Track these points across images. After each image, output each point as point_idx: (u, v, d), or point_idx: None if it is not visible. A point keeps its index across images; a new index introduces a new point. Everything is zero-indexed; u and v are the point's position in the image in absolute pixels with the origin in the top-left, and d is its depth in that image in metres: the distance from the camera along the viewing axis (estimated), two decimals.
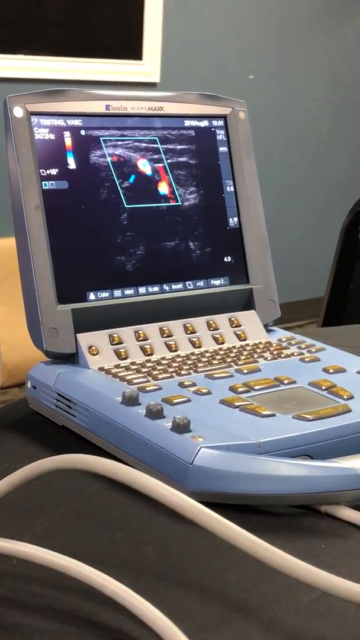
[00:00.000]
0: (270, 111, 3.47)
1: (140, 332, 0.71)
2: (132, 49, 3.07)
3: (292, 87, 3.57)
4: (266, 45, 3.44)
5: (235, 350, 0.73)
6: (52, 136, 0.70)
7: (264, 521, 0.54)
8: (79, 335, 0.69)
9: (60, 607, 0.44)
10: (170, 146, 0.76)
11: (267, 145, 3.42)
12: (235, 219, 0.79)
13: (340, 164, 3.79)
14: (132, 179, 0.74)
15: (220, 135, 0.79)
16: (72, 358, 0.69)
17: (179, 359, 0.70)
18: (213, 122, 0.79)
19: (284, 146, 3.58)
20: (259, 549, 0.42)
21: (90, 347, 0.68)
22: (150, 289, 0.74)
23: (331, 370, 0.70)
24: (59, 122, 0.71)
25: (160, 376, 0.66)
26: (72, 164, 0.71)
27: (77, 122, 0.71)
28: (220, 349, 0.73)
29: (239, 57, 3.36)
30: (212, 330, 0.75)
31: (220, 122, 0.80)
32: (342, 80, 3.72)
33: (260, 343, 0.76)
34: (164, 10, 3.08)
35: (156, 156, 0.75)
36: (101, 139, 0.72)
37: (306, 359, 0.73)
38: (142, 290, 0.73)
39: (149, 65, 3.10)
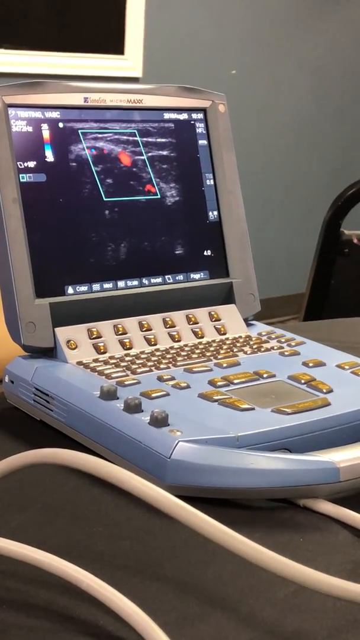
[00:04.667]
0: (253, 106, 3.47)
1: (119, 326, 0.71)
2: (114, 44, 3.07)
3: (275, 82, 3.57)
4: (249, 40, 3.44)
5: (214, 344, 0.73)
6: (30, 128, 0.69)
7: (242, 515, 0.54)
8: (57, 329, 0.68)
9: (36, 602, 0.44)
10: (149, 139, 0.76)
11: (249, 139, 3.42)
12: (215, 213, 0.79)
13: (322, 159, 3.80)
14: (111, 172, 0.73)
15: (200, 128, 0.79)
16: (50, 352, 0.68)
17: (158, 353, 0.70)
18: (193, 115, 0.79)
19: (267, 141, 3.58)
20: (236, 543, 0.42)
21: (68, 341, 0.68)
22: (129, 283, 0.73)
23: (311, 364, 0.70)
24: (37, 114, 0.70)
25: (139, 370, 0.66)
26: (50, 156, 0.70)
27: (55, 114, 0.71)
28: (200, 343, 0.73)
29: (221, 52, 3.36)
30: (192, 324, 0.75)
31: (200, 115, 0.79)
32: (325, 75, 3.73)
33: (240, 337, 0.76)
34: (146, 4, 3.07)
35: (135, 149, 0.75)
36: (80, 131, 0.72)
37: (286, 353, 0.72)
38: (121, 284, 0.73)
39: (131, 60, 3.10)
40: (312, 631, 0.43)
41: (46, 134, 0.70)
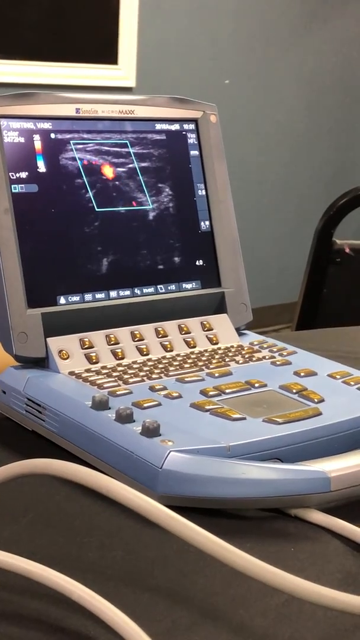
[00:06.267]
0: (246, 115, 3.48)
1: (111, 336, 0.71)
2: (107, 54, 3.07)
3: (268, 91, 3.58)
4: (242, 50, 3.45)
5: (206, 354, 0.73)
6: (22, 139, 0.70)
7: (233, 525, 0.54)
8: (49, 340, 0.68)
9: (26, 613, 0.44)
10: (141, 150, 0.76)
11: (242, 149, 3.43)
12: (207, 223, 0.79)
13: (314, 168, 3.81)
14: (103, 182, 0.73)
15: (192, 138, 0.79)
16: (42, 362, 0.69)
17: (150, 363, 0.70)
18: (184, 125, 0.79)
19: (259, 150, 3.59)
20: (227, 553, 0.42)
21: (60, 352, 0.68)
22: (121, 293, 0.73)
23: (302, 374, 0.70)
24: (29, 125, 0.70)
25: (131, 380, 0.66)
26: (42, 167, 0.70)
27: (47, 125, 0.71)
28: (192, 353, 0.73)
29: (214, 61, 3.37)
30: (184, 334, 0.75)
31: (192, 126, 0.80)
32: (318, 85, 3.74)
33: (232, 347, 0.76)
34: (139, 14, 3.08)
35: (127, 160, 0.75)
36: (71, 142, 0.72)
37: (277, 363, 0.73)
38: (113, 294, 0.73)
39: (124, 70, 3.11)
40: None
41: (38, 144, 0.70)
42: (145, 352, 0.71)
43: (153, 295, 0.75)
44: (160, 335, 0.73)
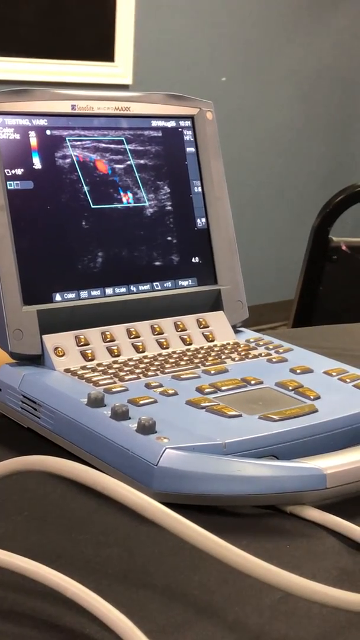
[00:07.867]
0: (242, 113, 3.48)
1: (107, 333, 0.71)
2: (104, 51, 3.07)
3: (265, 89, 3.58)
4: (239, 48, 3.45)
5: (202, 351, 0.73)
6: (17, 136, 0.70)
7: (229, 522, 0.54)
8: (44, 337, 0.68)
9: (21, 610, 0.44)
10: (137, 146, 0.76)
11: (239, 147, 3.43)
12: (203, 220, 0.79)
13: (310, 166, 3.81)
14: (98, 179, 0.73)
15: (188, 135, 0.79)
16: (37, 360, 0.68)
17: (146, 360, 0.70)
18: (180, 122, 0.79)
19: (256, 148, 3.59)
20: (222, 550, 0.42)
21: (56, 349, 0.68)
22: (117, 290, 0.73)
23: (298, 371, 0.70)
24: (24, 121, 0.70)
25: (126, 377, 0.66)
26: (37, 164, 0.70)
27: (42, 121, 0.71)
28: (188, 350, 0.73)
29: (211, 59, 3.37)
30: (180, 331, 0.75)
31: (188, 123, 0.79)
32: (314, 83, 3.74)
33: (228, 344, 0.76)
34: (136, 12, 3.08)
35: (123, 156, 0.75)
36: (67, 139, 0.72)
37: (274, 360, 0.73)
38: (109, 291, 0.73)
39: (121, 67, 3.10)
40: (298, 638, 0.43)
41: (33, 141, 0.70)
42: (141, 350, 0.71)
43: (149, 293, 0.75)
44: (156, 333, 0.73)
